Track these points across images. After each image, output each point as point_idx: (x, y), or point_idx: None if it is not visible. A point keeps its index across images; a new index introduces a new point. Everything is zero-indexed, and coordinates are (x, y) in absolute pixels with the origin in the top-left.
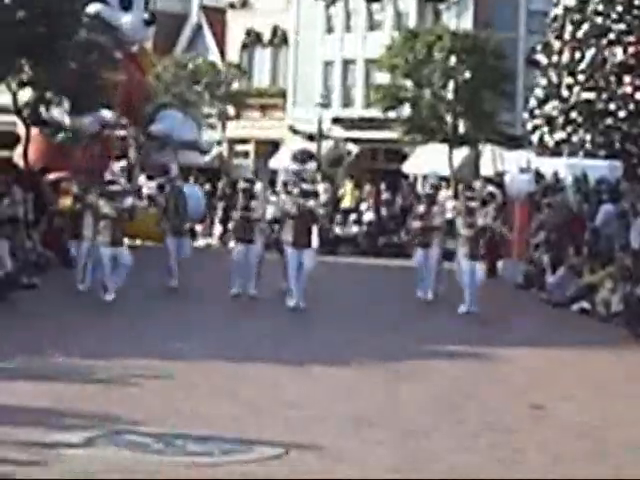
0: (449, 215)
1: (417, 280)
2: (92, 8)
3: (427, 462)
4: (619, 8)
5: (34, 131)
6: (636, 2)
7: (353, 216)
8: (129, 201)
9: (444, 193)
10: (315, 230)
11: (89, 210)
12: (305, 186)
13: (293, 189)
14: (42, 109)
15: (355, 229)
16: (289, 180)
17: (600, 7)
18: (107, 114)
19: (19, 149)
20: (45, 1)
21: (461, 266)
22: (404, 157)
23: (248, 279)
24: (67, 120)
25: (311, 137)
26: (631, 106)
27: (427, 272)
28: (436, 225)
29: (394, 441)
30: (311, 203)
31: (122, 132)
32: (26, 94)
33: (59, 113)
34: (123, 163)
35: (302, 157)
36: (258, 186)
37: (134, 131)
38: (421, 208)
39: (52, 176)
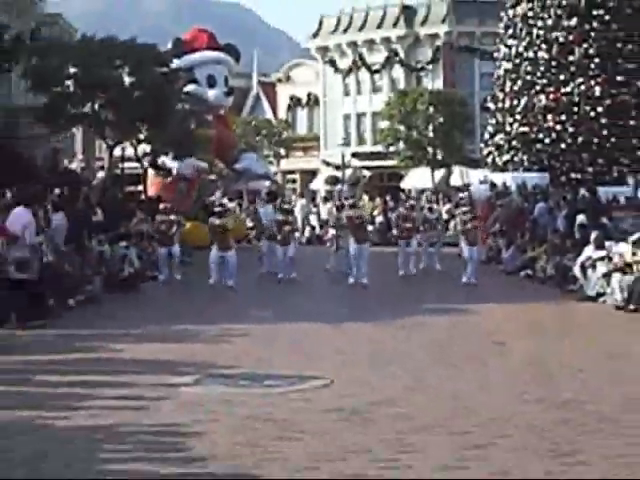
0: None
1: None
2: (188, 87)
3: (427, 386)
4: (541, 68)
5: (150, 172)
6: (553, 64)
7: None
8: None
9: (424, 202)
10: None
11: (178, 227)
12: (351, 200)
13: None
14: (157, 158)
15: (370, 228)
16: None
17: (529, 68)
18: (202, 164)
19: (140, 186)
20: (152, 85)
21: (464, 250)
22: (401, 177)
23: (286, 269)
24: (173, 165)
25: (337, 167)
26: (553, 135)
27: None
28: (413, 225)
29: (403, 372)
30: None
31: (212, 176)
32: (142, 148)
33: (167, 160)
34: (219, 193)
35: (332, 181)
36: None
37: (224, 168)
38: (404, 211)
39: (162, 205)
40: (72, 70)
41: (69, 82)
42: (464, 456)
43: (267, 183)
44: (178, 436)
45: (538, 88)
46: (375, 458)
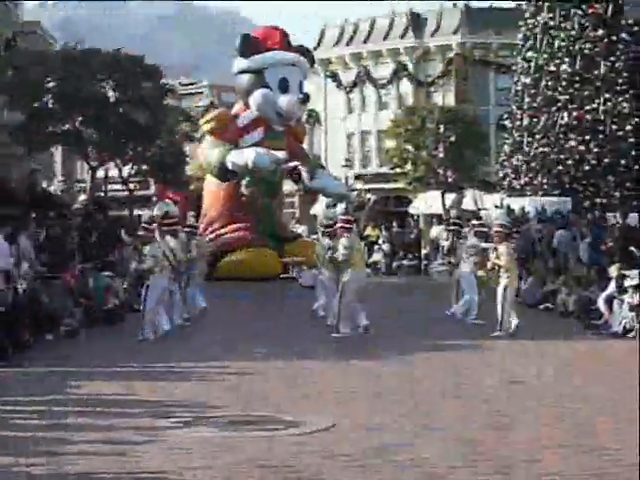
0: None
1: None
2: (258, 92)
3: (437, 431)
4: (564, 83)
5: (209, 180)
6: (577, 78)
7: (376, 247)
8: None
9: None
10: None
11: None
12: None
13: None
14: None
15: (378, 257)
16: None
17: (550, 83)
18: (279, 153)
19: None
20: (140, 100)
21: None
22: (409, 201)
23: None
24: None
25: None
26: (576, 156)
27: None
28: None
29: (410, 414)
30: None
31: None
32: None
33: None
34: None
35: (332, 205)
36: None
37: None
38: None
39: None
40: (51, 84)
41: (48, 97)
42: None
43: None
44: None
45: (560, 105)
46: None
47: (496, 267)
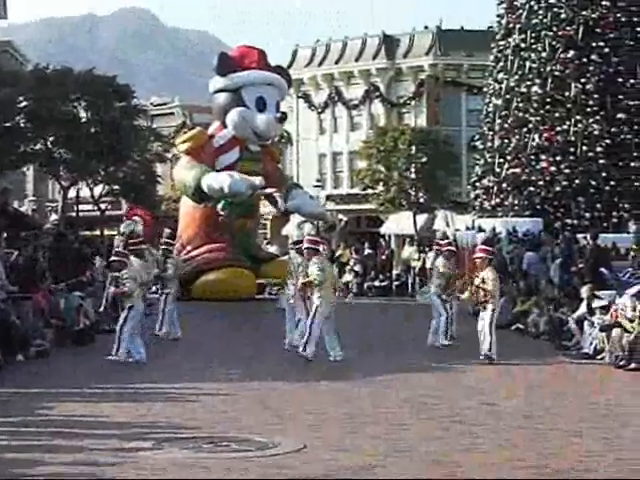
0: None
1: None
2: (234, 111)
3: (409, 452)
4: (535, 105)
5: (184, 201)
6: (548, 100)
7: (347, 267)
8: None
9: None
10: None
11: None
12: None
13: None
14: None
15: (349, 277)
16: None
17: (521, 104)
18: (255, 179)
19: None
20: (112, 118)
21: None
22: (381, 222)
23: None
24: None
25: None
26: (547, 177)
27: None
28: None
29: (383, 435)
30: None
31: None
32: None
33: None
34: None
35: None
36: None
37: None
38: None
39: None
40: (23, 104)
41: (20, 117)
42: None
43: None
44: None
45: (531, 126)
46: None
47: (482, 292)
